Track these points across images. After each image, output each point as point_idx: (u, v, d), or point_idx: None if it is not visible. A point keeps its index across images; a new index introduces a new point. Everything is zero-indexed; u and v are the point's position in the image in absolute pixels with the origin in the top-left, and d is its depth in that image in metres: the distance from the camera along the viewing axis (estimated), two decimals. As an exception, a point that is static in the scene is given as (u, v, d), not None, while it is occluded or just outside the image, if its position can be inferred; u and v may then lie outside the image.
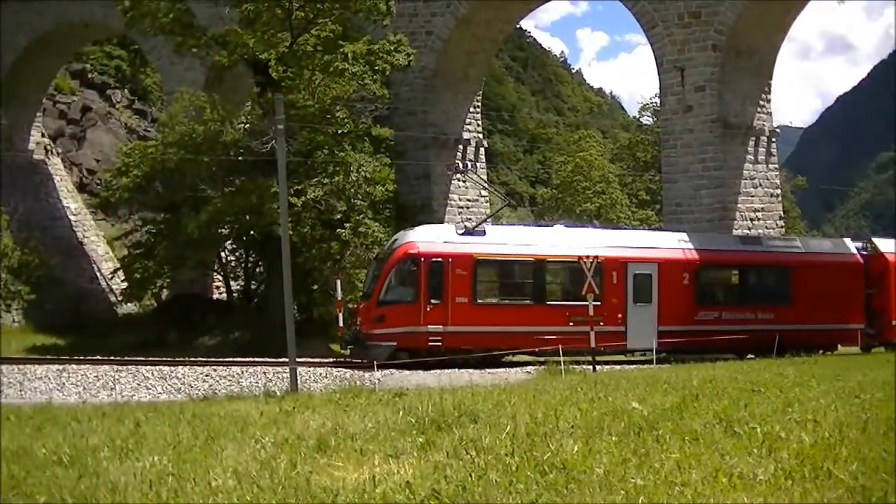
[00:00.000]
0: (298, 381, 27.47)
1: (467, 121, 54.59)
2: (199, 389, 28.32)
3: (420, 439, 11.41)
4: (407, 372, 29.98)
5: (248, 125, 43.74)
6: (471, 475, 8.88)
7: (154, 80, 76.86)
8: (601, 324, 33.18)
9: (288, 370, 27.86)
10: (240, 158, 41.67)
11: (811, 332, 37.49)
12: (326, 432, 12.49)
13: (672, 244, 37.38)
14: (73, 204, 63.03)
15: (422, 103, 51.36)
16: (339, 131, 42.78)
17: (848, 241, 42.40)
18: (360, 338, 33.99)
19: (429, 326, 33.41)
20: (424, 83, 51.28)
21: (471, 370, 30.51)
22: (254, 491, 9.19)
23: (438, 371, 29.80)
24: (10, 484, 10.88)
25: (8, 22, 57.62)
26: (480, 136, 56.72)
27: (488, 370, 30.58)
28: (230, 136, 43.11)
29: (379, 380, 28.13)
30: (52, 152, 64.63)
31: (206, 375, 29.97)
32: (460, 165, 48.03)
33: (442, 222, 48.51)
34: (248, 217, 40.18)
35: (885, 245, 40.60)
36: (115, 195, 49.69)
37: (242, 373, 30.21)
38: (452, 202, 53.18)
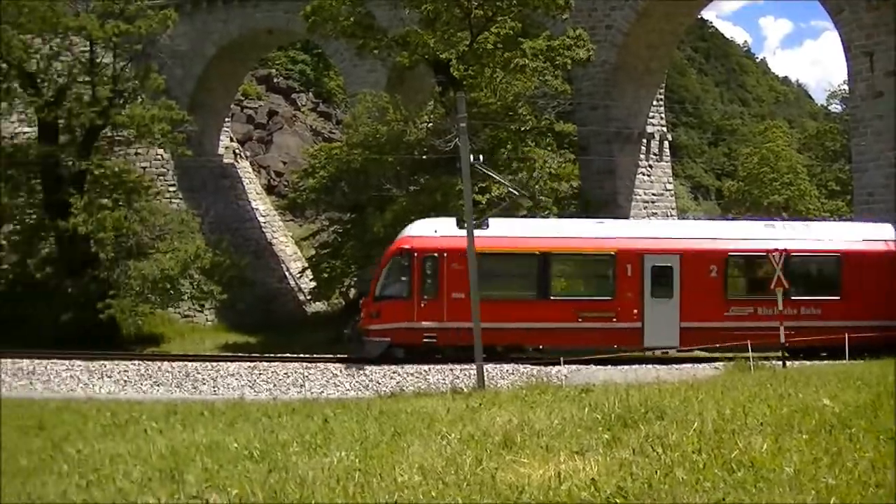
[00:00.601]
0: (485, 378, 27.47)
1: (650, 114, 53.86)
2: (387, 386, 28.61)
3: (606, 436, 11.20)
4: (594, 368, 29.63)
5: (430, 124, 44.03)
6: (657, 473, 8.65)
7: (337, 83, 78.31)
8: (614, 320, 32.65)
9: (475, 367, 27.88)
10: (423, 157, 41.97)
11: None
12: (512, 429, 12.37)
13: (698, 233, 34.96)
14: (261, 206, 64.70)
15: (604, 98, 50.86)
16: (522, 128, 42.74)
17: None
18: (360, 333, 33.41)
19: (423, 322, 32.47)
20: (606, 77, 50.77)
21: (657, 366, 29.98)
22: (439, 487, 9.13)
23: (625, 367, 29.39)
24: (203, 476, 11.10)
25: (196, 31, 59.47)
26: (664, 129, 55.87)
27: (675, 366, 29.96)
28: (413, 135, 43.50)
29: (566, 376, 27.92)
30: (240, 156, 66.49)
31: (394, 373, 30.21)
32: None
33: (627, 217, 47.91)
34: (432, 215, 40.37)
35: None
36: (303, 196, 50.83)
37: (430, 370, 30.34)
38: (638, 197, 52.54)
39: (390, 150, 43.04)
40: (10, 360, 31.92)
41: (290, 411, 19.68)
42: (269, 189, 69.87)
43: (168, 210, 49.98)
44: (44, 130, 46.47)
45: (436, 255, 32.63)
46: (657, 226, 37.56)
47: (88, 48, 47.29)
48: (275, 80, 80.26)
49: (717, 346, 31.39)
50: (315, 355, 34.21)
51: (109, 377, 30.52)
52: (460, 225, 32.11)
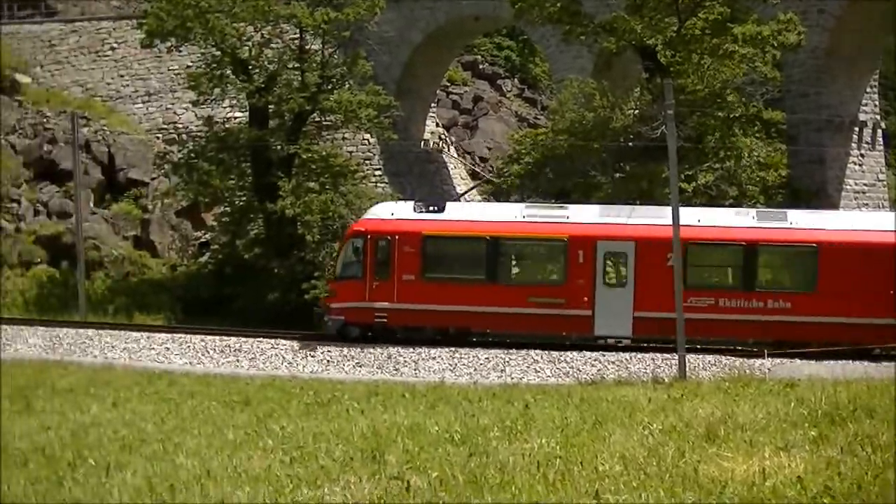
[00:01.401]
0: (687, 368, 27.06)
1: (863, 101, 51.99)
2: (587, 373, 28.46)
3: (812, 433, 10.88)
4: (798, 361, 28.81)
5: (637, 111, 43.55)
6: (866, 473, 8.35)
7: (543, 69, 78.06)
8: (564, 306, 31.95)
9: (676, 357, 27.51)
10: (629, 144, 41.58)
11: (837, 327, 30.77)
12: (715, 421, 12.13)
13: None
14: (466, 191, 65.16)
15: (815, 84, 49.37)
16: (730, 115, 41.84)
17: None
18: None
19: (374, 303, 32.85)
20: (817, 63, 49.24)
21: (866, 362, 28.66)
22: (640, 478, 9.02)
23: (832, 362, 28.41)
24: (404, 458, 11.24)
25: (403, 18, 60.25)
26: (877, 117, 53.87)
27: (884, 363, 28.57)
28: (619, 122, 43.11)
29: (769, 369, 27.25)
30: (446, 142, 67.09)
31: (595, 360, 30.01)
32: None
33: (837, 207, 46.37)
34: (638, 203, 39.83)
35: None
36: (507, 182, 50.93)
37: (631, 358, 30.04)
38: (848, 187, 50.84)
39: (596, 136, 42.76)
40: (217, 338, 33.08)
41: (491, 396, 19.79)
42: (474, 175, 70.19)
43: (374, 194, 50.74)
44: (254, 115, 47.90)
45: (388, 237, 33.10)
46: (616, 211, 34.64)
47: (298, 35, 48.52)
48: (480, 66, 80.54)
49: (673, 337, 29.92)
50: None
51: (313, 357, 31.32)
52: (416, 209, 34.16)
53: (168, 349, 32.29)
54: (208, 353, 31.91)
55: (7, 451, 13.23)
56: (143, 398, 20.47)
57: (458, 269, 33.84)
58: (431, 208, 34.66)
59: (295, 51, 48.12)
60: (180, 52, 53.10)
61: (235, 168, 47.83)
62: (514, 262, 35.18)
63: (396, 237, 32.97)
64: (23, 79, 62.95)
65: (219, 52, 46.41)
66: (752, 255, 32.02)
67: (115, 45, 64.30)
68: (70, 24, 66.52)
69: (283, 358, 31.22)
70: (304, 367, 30.35)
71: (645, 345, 32.76)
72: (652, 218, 32.65)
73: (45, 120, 59.71)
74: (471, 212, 36.07)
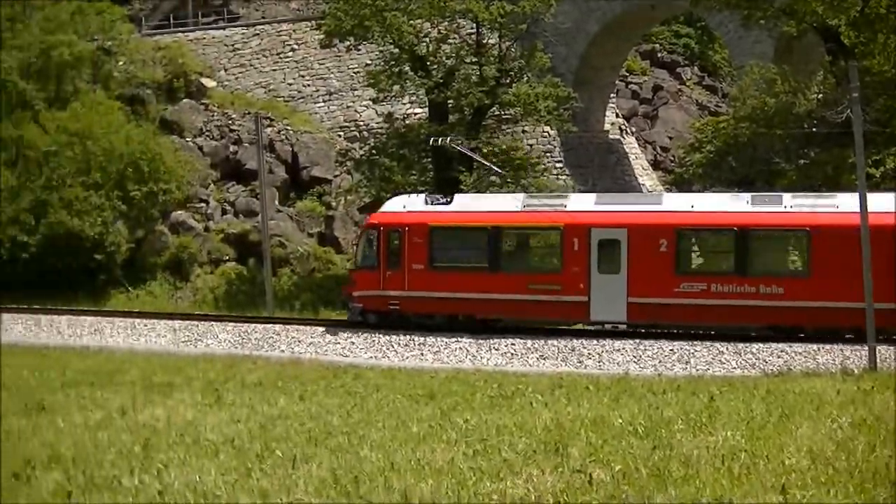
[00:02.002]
0: (877, 360, 26.15)
1: None
2: (774, 365, 27.81)
3: None
4: None
5: (820, 95, 42.35)
6: None
7: (722, 56, 76.71)
8: (561, 293, 32.70)
9: (866, 347, 26.62)
10: (813, 130, 40.39)
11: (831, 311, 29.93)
12: (910, 414, 11.65)
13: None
14: (648, 181, 64.36)
15: None
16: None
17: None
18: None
19: (388, 291, 34.48)
20: None
21: None
22: (828, 473, 8.74)
23: None
24: (587, 450, 11.13)
25: (579, 10, 59.80)
26: None
27: None
28: (802, 107, 42.02)
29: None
30: (626, 132, 66.41)
31: (782, 351, 29.25)
32: None
33: None
34: (822, 189, 38.58)
35: None
36: (689, 171, 50.16)
37: (819, 349, 29.15)
38: None
39: (779, 122, 41.72)
40: (402, 333, 33.40)
41: (675, 388, 19.51)
42: (655, 164, 69.38)
43: (555, 186, 50.62)
44: (434, 111, 48.37)
45: (399, 229, 34.74)
46: (611, 199, 35.82)
47: (475, 30, 48.75)
48: (658, 54, 79.54)
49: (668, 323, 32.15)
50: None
51: (496, 350, 31.35)
52: (427, 201, 35.79)
53: (353, 343, 32.85)
54: (393, 347, 32.32)
55: (199, 442, 13.62)
56: (330, 392, 20.82)
57: (463, 258, 35.14)
58: (440, 200, 36.07)
59: (472, 45, 48.39)
60: (359, 50, 54.04)
61: (417, 164, 48.39)
62: (514, 251, 36.02)
63: (406, 229, 34.54)
64: (208, 83, 65.03)
65: (397, 50, 47.04)
66: (745, 240, 31.80)
67: (295, 47, 65.76)
68: (251, 28, 68.37)
69: (468, 351, 31.37)
70: (488, 359, 30.45)
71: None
72: (644, 205, 34.04)
73: (230, 122, 61.59)
74: (475, 203, 36.54)
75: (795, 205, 31.79)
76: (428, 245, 34.43)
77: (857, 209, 28.67)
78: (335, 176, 57.74)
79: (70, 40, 58.57)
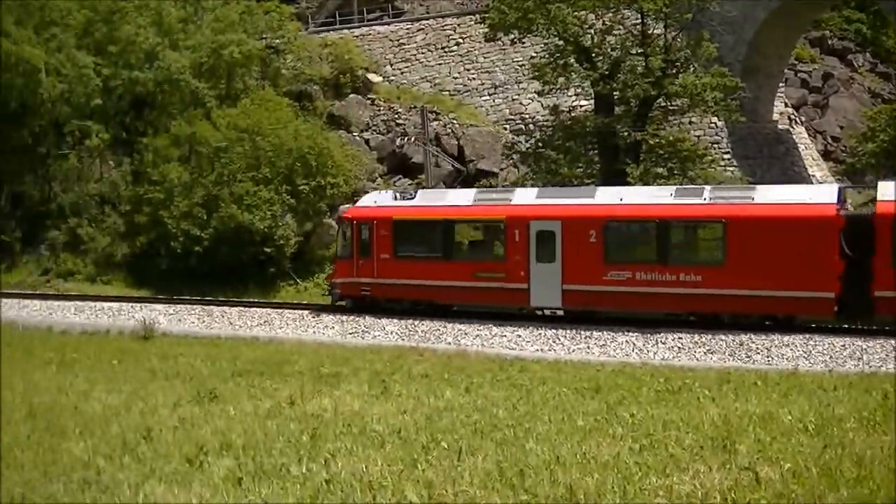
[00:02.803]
0: None
1: None
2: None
3: None
4: None
5: None
6: None
7: (896, 41, 74.29)
8: (505, 280, 35.12)
9: None
10: None
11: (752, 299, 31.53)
12: None
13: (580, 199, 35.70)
14: (818, 172, 62.69)
15: None
16: None
17: (823, 188, 34.58)
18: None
19: (360, 278, 38.18)
20: None
21: None
22: None
23: None
24: (755, 447, 10.91)
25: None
26: None
27: None
28: None
29: None
30: (795, 121, 64.80)
31: (961, 347, 28.16)
32: None
33: None
34: None
35: (886, 193, 30.45)
36: (862, 161, 48.72)
37: None
38: None
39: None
40: (569, 327, 33.26)
41: (847, 385, 19.01)
42: (826, 155, 67.54)
43: (723, 177, 49.75)
44: (600, 103, 48.03)
45: (368, 222, 38.34)
46: (550, 192, 38.05)
47: (640, 20, 48.22)
48: (829, 41, 77.41)
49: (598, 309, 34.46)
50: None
51: (663, 344, 30.98)
52: (395, 197, 39.78)
53: (520, 336, 32.87)
54: (559, 340, 32.22)
55: (366, 432, 13.81)
56: (496, 384, 20.87)
57: (421, 249, 38.11)
58: (406, 196, 39.87)
59: (637, 36, 47.89)
60: (523, 43, 53.91)
61: (583, 156, 48.14)
62: (464, 242, 38.77)
63: (375, 222, 38.14)
64: (374, 78, 65.91)
65: (561, 42, 46.85)
66: (665, 231, 33.53)
67: (459, 41, 66.12)
68: (416, 24, 69.00)
69: (634, 345, 31.07)
70: (654, 353, 30.10)
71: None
72: (578, 198, 35.83)
73: (396, 116, 62.30)
74: (434, 198, 39.57)
75: (714, 197, 33.25)
76: (392, 237, 37.84)
77: (773, 201, 31.84)
78: (501, 169, 57.85)
79: (239, 39, 60.17)
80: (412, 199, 39.22)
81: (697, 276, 32.47)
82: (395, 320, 35.59)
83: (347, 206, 42.26)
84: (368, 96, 64.65)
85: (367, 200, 40.66)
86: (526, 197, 36.79)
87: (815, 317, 31.84)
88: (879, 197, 30.74)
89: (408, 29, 68.62)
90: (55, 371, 24.01)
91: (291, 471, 11.08)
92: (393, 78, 66.99)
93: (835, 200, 31.33)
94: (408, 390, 19.20)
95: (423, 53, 67.17)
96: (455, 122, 60.88)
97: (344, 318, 36.60)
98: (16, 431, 14.27)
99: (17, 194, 61.94)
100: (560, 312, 35.18)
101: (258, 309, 39.85)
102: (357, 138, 61.16)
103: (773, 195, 32.79)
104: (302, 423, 14.73)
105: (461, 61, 65.87)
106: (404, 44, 67.88)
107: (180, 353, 28.23)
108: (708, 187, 35.27)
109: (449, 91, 64.84)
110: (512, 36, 50.14)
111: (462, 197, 38.58)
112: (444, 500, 9.66)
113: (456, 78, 65.48)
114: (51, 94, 58.66)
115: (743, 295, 31.55)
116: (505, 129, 61.69)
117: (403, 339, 33.13)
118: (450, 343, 32.22)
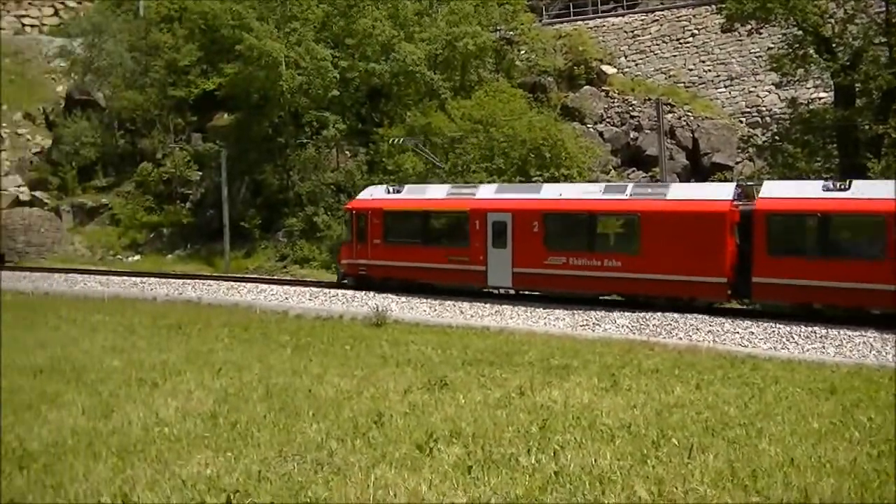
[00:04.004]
0: None
1: None
2: None
3: None
4: None
5: None
6: None
7: None
8: (468, 263, 40.58)
9: None
10: None
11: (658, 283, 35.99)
12: None
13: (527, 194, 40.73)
14: None
15: None
16: None
17: (723, 186, 38.23)
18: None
19: (358, 260, 44.59)
20: None
21: None
22: None
23: None
24: None
25: None
26: None
27: None
28: None
29: None
30: None
31: None
32: None
33: None
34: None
35: (766, 191, 34.67)
36: None
37: None
38: None
39: None
40: (803, 324, 32.31)
41: None
42: None
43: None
44: (840, 95, 46.30)
45: (365, 212, 44.62)
46: (506, 188, 43.66)
47: (884, 8, 46.24)
48: None
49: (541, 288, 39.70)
50: None
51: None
52: (387, 191, 45.44)
53: (752, 333, 32.11)
54: (793, 338, 31.31)
55: (595, 426, 13.78)
56: (727, 381, 20.47)
57: (405, 235, 43.56)
58: (396, 190, 45.38)
59: (881, 25, 45.90)
60: (760, 34, 52.67)
61: (821, 150, 46.60)
62: (438, 230, 43.33)
63: (369, 212, 44.41)
64: (608, 69, 65.60)
65: (800, 32, 45.40)
66: (593, 223, 37.99)
67: (695, 32, 65.05)
68: (650, 14, 68.21)
69: (871, 346, 29.88)
70: (893, 355, 28.91)
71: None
72: (526, 193, 41.12)
73: (630, 108, 61.82)
74: (416, 192, 44.98)
75: (634, 193, 37.52)
76: (383, 225, 43.87)
77: (680, 198, 36.05)
78: (736, 163, 56.69)
79: (474, 31, 60.87)
80: (400, 192, 45.19)
81: (618, 262, 36.90)
82: (626, 313, 35.30)
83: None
84: (602, 88, 64.40)
85: (365, 194, 46.77)
86: (486, 192, 42.19)
87: (711, 300, 35.59)
88: (760, 195, 34.49)
89: (642, 20, 67.92)
90: (290, 354, 24.87)
91: (521, 461, 11.18)
92: (627, 69, 66.48)
93: (730, 197, 34.88)
94: (637, 385, 19.05)
95: (657, 45, 66.39)
96: (690, 114, 60.00)
97: (575, 310, 36.52)
98: (253, 411, 14.86)
99: (257, 183, 64.52)
100: (511, 291, 41.31)
101: (470, 299, 40.16)
102: (591, 130, 61.02)
103: (681, 192, 37.30)
104: (531, 414, 14.82)
105: (696, 52, 64.79)
106: (639, 35, 67.24)
107: (411, 341, 28.77)
108: (631, 184, 41.18)
109: (684, 83, 63.92)
110: (749, 26, 48.97)
111: (438, 191, 44.08)
112: (674, 497, 9.58)
113: (691, 69, 64.49)
114: (290, 86, 60.85)
115: (653, 279, 35.90)
116: (741, 121, 60.40)
117: (634, 333, 32.82)
118: (681, 338, 31.73)
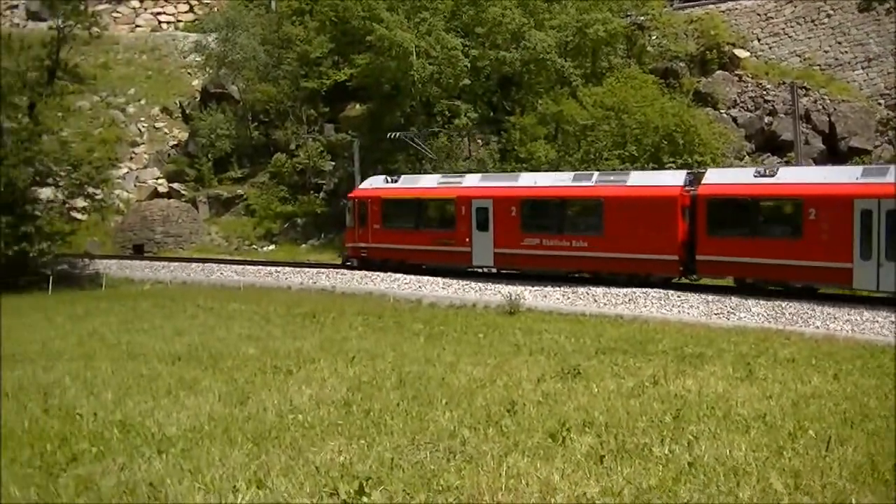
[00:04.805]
0: None
1: None
2: None
3: None
4: None
5: None
6: None
7: None
8: (455, 245, 45.09)
9: None
10: None
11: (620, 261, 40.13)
12: None
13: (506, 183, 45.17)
14: None
15: None
16: None
17: (677, 174, 41.46)
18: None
19: (360, 243, 49.53)
20: None
21: None
22: None
23: None
24: None
25: None
26: None
27: None
28: None
29: None
30: None
31: None
32: None
33: None
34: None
35: (708, 178, 39.13)
36: None
37: None
38: None
39: None
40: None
41: None
42: None
43: None
44: None
45: (366, 200, 49.27)
46: (489, 177, 47.55)
47: None
48: None
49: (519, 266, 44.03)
50: None
51: None
52: (386, 181, 50.03)
53: (893, 322, 31.29)
54: (935, 327, 30.46)
55: (730, 416, 13.61)
56: (866, 372, 20.00)
57: (400, 221, 48.14)
58: (394, 180, 49.83)
59: None
60: (899, 13, 51.21)
61: None
62: (429, 215, 47.46)
63: (369, 200, 49.08)
64: (741, 53, 64.48)
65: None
66: (562, 207, 42.19)
67: (830, 12, 63.47)
68: (789, -5, 66.79)
69: None
70: None
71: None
72: (506, 181, 45.38)
73: (764, 92, 60.71)
74: (411, 181, 49.66)
75: (599, 181, 41.58)
76: (381, 211, 48.43)
77: (639, 184, 39.81)
78: (875, 146, 55.30)
79: (604, 18, 60.46)
80: (397, 182, 49.47)
81: (584, 243, 41.14)
82: (761, 301, 34.74)
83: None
84: (735, 72, 63.33)
85: (365, 184, 51.63)
86: (472, 181, 46.54)
87: (665, 275, 39.52)
88: (703, 181, 38.52)
89: (776, 2, 66.44)
90: (423, 343, 25.07)
91: (654, 451, 11.10)
92: (760, 53, 65.21)
93: (682, 184, 38.87)
94: (773, 374, 18.74)
95: (791, 27, 64.94)
96: (826, 97, 58.64)
97: (709, 297, 36.06)
98: (386, 399, 15.02)
99: (390, 172, 65.13)
100: (494, 270, 45.42)
101: (623, 289, 39.87)
102: (724, 115, 60.11)
103: (640, 179, 40.76)
104: (665, 404, 14.70)
105: (832, 34, 63.21)
106: (772, 17, 65.84)
107: (544, 329, 28.75)
108: (597, 173, 43.53)
109: (819, 65, 62.45)
110: (888, 4, 47.68)
111: (430, 181, 48.87)
112: (812, 491, 9.41)
113: (826, 52, 62.96)
114: (421, 75, 61.19)
115: (615, 257, 40.15)
116: (879, 104, 58.78)
117: (769, 322, 32.27)
118: (817, 327, 31.10)
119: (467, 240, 44.57)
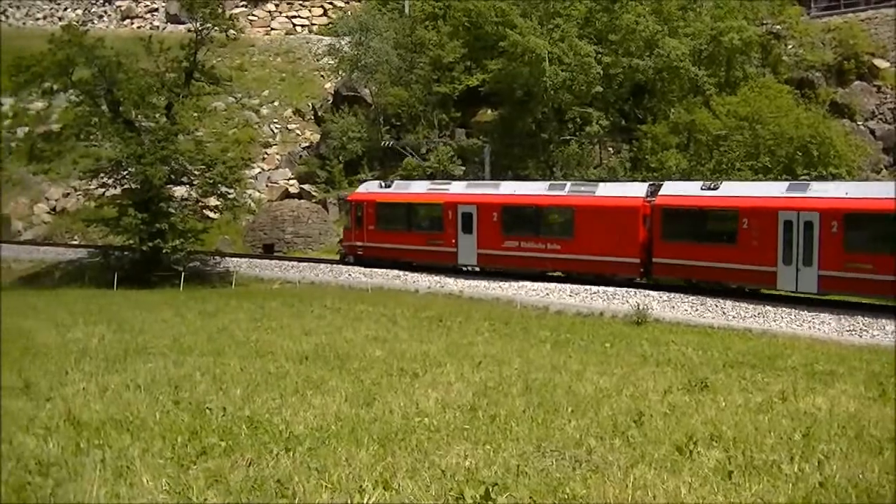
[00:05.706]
0: None
1: None
2: None
3: None
4: None
5: None
6: None
7: None
8: (443, 246, 49.96)
9: None
10: None
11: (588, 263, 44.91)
12: None
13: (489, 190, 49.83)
14: None
15: None
16: None
17: (639, 186, 45.98)
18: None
19: (356, 242, 54.17)
20: None
21: None
22: None
23: None
24: None
25: None
26: None
27: None
28: None
29: None
30: None
31: None
32: None
33: None
34: None
35: (664, 189, 43.61)
36: None
37: None
38: None
39: None
40: None
41: None
42: None
43: None
44: None
45: (362, 203, 53.93)
46: (473, 185, 51.99)
47: None
48: None
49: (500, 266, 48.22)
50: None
51: None
52: (381, 185, 54.72)
53: None
54: None
55: (862, 437, 13.33)
56: None
57: (393, 223, 52.83)
58: (387, 185, 54.67)
59: None
60: None
61: None
62: (419, 218, 52.08)
63: (365, 203, 53.82)
64: (881, 63, 62.95)
65: None
66: (539, 214, 47.04)
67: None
68: (929, 4, 65.01)
69: None
70: None
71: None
72: (488, 189, 50.10)
73: (904, 104, 59.20)
74: (403, 187, 54.01)
75: (571, 191, 46.49)
76: (375, 213, 53.13)
77: (606, 195, 44.45)
78: None
79: (739, 26, 59.64)
80: (390, 187, 54.19)
81: (557, 246, 45.98)
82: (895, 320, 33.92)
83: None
84: (874, 83, 61.88)
85: (362, 188, 56.52)
86: (458, 188, 51.20)
87: (628, 276, 44.00)
88: (660, 192, 43.15)
89: (919, 11, 64.82)
90: (549, 350, 25.07)
91: (783, 468, 10.94)
92: (902, 64, 63.60)
93: (643, 195, 43.72)
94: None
95: (935, 36, 63.25)
96: None
97: (841, 314, 35.31)
98: (512, 405, 15.04)
99: (520, 178, 65.15)
100: (477, 269, 49.57)
101: (750, 303, 39.26)
102: (861, 127, 58.83)
103: (607, 190, 45.24)
104: (794, 421, 14.47)
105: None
106: (915, 26, 64.21)
107: (672, 340, 28.54)
108: (569, 183, 48.34)
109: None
110: None
111: (420, 187, 53.51)
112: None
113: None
114: (553, 81, 61.13)
115: (584, 259, 44.91)
116: None
117: None
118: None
119: (453, 241, 49.72)
